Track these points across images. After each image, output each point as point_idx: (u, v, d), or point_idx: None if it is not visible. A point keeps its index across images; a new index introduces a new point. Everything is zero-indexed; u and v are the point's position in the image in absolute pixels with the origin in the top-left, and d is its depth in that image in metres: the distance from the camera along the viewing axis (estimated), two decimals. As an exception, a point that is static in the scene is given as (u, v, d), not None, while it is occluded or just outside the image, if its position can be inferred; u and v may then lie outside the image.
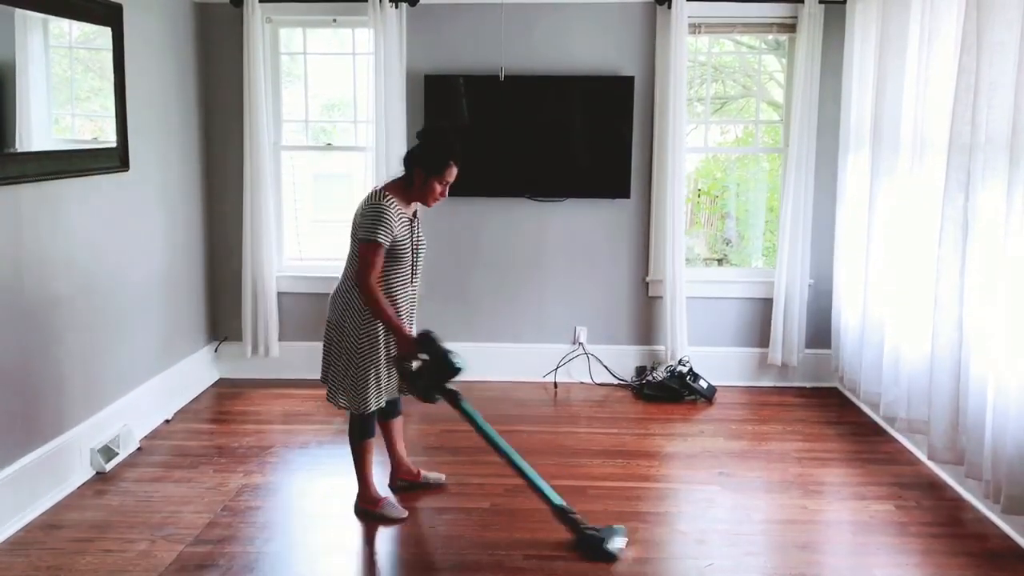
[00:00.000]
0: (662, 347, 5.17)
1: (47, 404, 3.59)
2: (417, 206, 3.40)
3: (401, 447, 3.75)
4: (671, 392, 4.94)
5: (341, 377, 3.36)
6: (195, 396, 4.96)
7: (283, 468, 3.99)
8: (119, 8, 4.04)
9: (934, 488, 3.76)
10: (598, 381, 5.22)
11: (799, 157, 4.92)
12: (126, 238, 4.22)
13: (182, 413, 4.70)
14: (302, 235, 5.59)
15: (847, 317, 4.72)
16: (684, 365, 4.99)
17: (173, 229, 4.74)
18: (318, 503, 3.69)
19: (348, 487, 3.82)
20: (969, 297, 3.38)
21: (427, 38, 5.03)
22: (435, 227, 5.19)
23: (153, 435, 4.35)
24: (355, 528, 3.44)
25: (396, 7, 4.90)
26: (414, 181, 3.27)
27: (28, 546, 3.21)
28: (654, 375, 5.03)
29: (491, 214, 5.21)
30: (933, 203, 3.68)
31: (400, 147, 4.96)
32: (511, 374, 5.26)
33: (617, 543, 3.16)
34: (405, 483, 3.74)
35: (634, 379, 5.19)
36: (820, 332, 5.11)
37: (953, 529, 3.40)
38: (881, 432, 4.46)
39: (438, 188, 3.28)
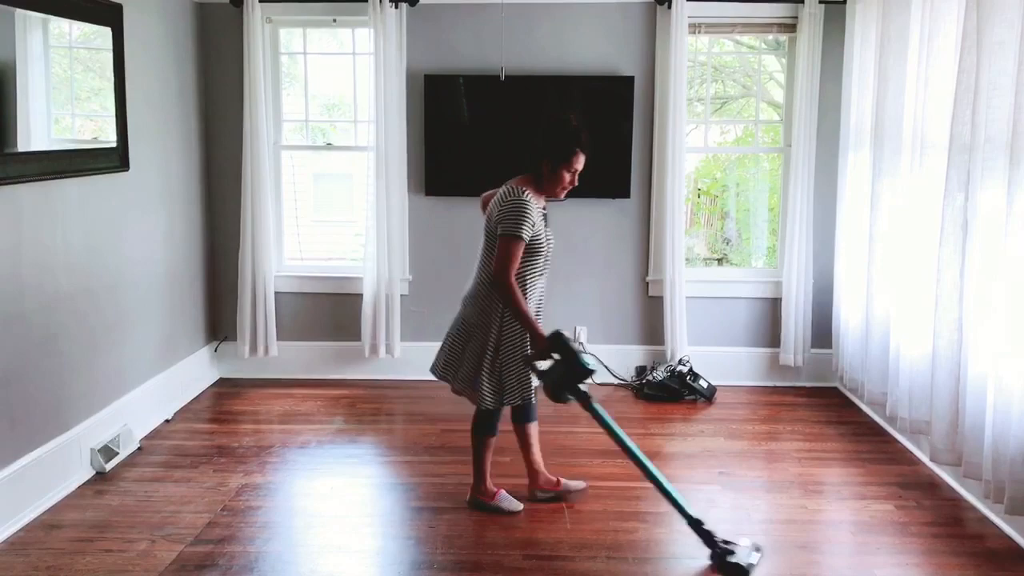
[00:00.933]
0: (662, 347, 5.17)
1: (47, 404, 3.59)
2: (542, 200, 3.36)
3: (537, 454, 3.60)
4: (671, 392, 4.94)
5: (475, 374, 3.32)
6: (195, 396, 4.96)
7: (283, 468, 3.99)
8: (119, 8, 4.04)
9: (934, 488, 3.76)
10: (598, 381, 5.22)
11: (799, 157, 4.92)
12: (126, 238, 4.22)
13: (182, 413, 4.70)
14: (302, 235, 5.60)
15: (848, 317, 4.72)
16: (684, 365, 4.99)
17: (173, 229, 4.74)
18: (318, 503, 3.69)
19: (348, 486, 3.83)
20: (969, 297, 3.38)
21: (427, 38, 5.03)
22: (436, 227, 5.20)
23: (153, 435, 4.35)
24: (355, 528, 3.44)
25: (396, 7, 4.90)
26: (542, 173, 3.28)
27: (28, 546, 3.21)
28: (654, 375, 5.03)
29: (491, 214, 5.20)
30: (933, 203, 3.68)
31: (400, 147, 4.97)
32: (511, 374, 5.25)
33: (749, 557, 3.04)
34: (548, 494, 3.59)
35: (634, 379, 5.19)
36: (821, 332, 5.10)
37: (953, 529, 3.40)
38: (881, 432, 4.46)
39: (567, 177, 3.28)
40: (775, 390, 5.16)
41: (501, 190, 3.33)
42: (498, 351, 3.30)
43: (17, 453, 3.40)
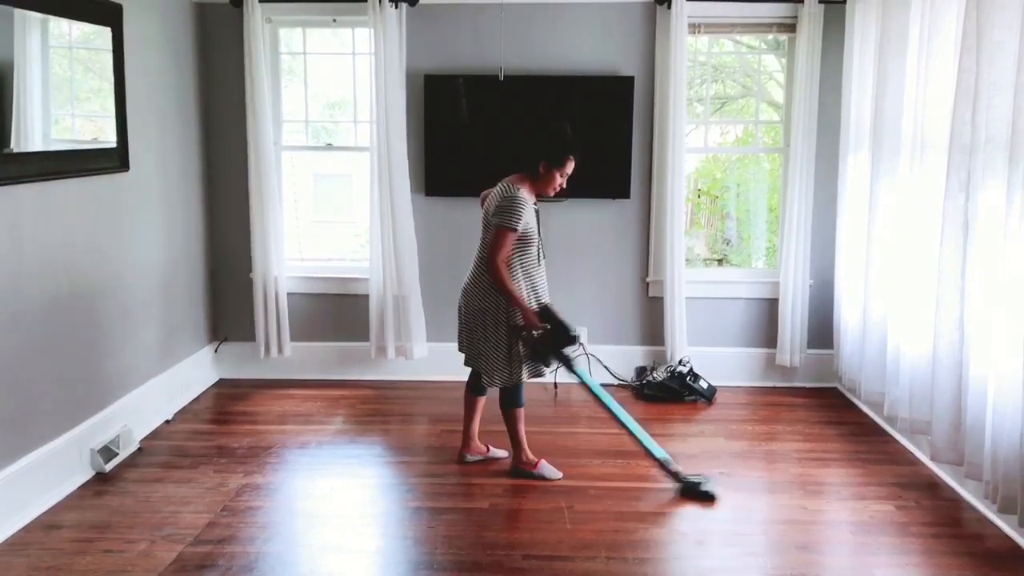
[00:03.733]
0: (662, 348, 5.17)
1: (47, 404, 3.59)
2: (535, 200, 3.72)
3: (476, 424, 4.01)
4: (671, 392, 4.94)
5: (492, 357, 3.68)
6: (195, 396, 4.96)
7: (283, 468, 3.99)
8: (119, 8, 4.04)
9: (934, 488, 3.76)
10: (598, 382, 5.21)
11: (799, 157, 4.91)
12: (126, 238, 4.22)
13: (182, 413, 4.70)
14: (302, 235, 5.60)
15: (848, 317, 4.72)
16: (684, 365, 4.99)
17: (173, 229, 4.74)
18: (318, 503, 3.69)
19: (348, 487, 3.83)
20: (970, 297, 3.38)
21: (427, 38, 5.03)
22: (436, 227, 5.20)
23: (153, 435, 4.35)
24: (355, 528, 3.44)
25: (396, 7, 4.90)
26: (539, 172, 3.63)
27: (28, 546, 3.21)
28: (654, 375, 5.03)
29: (491, 214, 5.20)
30: (933, 203, 3.69)
31: (400, 147, 4.97)
32: (511, 374, 5.26)
33: (712, 485, 3.63)
34: (476, 458, 4.01)
35: (634, 379, 5.18)
36: (821, 332, 5.11)
37: (953, 529, 3.40)
38: (881, 432, 4.46)
39: (558, 179, 3.65)
40: (775, 390, 5.15)
41: (498, 187, 3.70)
42: (503, 334, 3.64)
43: (17, 453, 3.40)
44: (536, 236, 3.66)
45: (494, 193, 3.69)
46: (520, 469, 3.85)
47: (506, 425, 3.86)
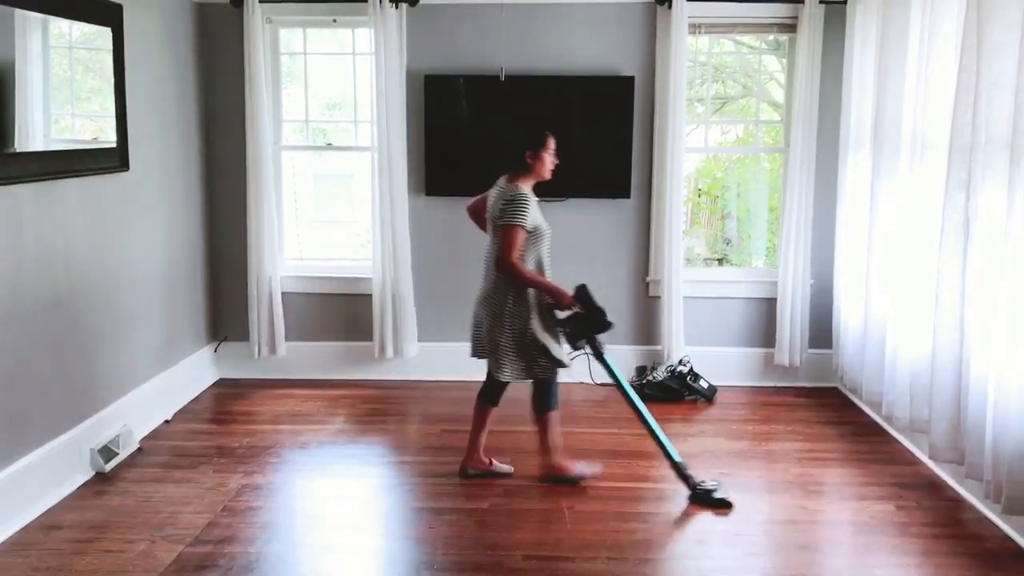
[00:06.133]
0: (661, 347, 5.17)
1: (47, 404, 3.59)
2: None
3: (484, 436, 3.88)
4: (671, 392, 4.94)
5: (520, 357, 3.60)
6: (195, 396, 4.96)
7: (283, 468, 3.99)
8: (119, 8, 4.04)
9: (934, 488, 3.76)
10: (598, 381, 5.22)
11: (799, 157, 4.91)
12: (126, 238, 4.22)
13: (182, 413, 4.70)
14: (302, 235, 5.60)
15: (848, 317, 4.72)
16: (684, 365, 4.99)
17: (173, 229, 4.74)
18: (318, 503, 3.69)
19: (348, 487, 3.83)
20: (970, 297, 3.38)
21: (427, 38, 5.03)
22: (436, 227, 5.19)
23: (153, 435, 4.35)
24: (355, 528, 3.44)
25: (396, 7, 4.90)
26: (529, 164, 3.62)
27: (28, 546, 3.21)
28: (654, 375, 5.02)
29: (491, 214, 5.19)
30: (934, 203, 3.68)
31: (400, 147, 4.97)
32: (511, 374, 5.25)
33: (725, 491, 3.59)
34: (477, 472, 3.86)
35: (635, 379, 5.18)
36: (821, 332, 5.10)
37: (953, 529, 3.40)
38: (882, 432, 4.46)
39: (548, 158, 3.65)
40: (775, 390, 5.15)
41: (495, 191, 3.69)
42: (525, 331, 3.57)
43: (17, 453, 3.40)
44: (546, 229, 3.64)
45: (493, 198, 3.67)
46: (554, 476, 3.75)
47: (538, 428, 3.77)
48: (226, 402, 4.91)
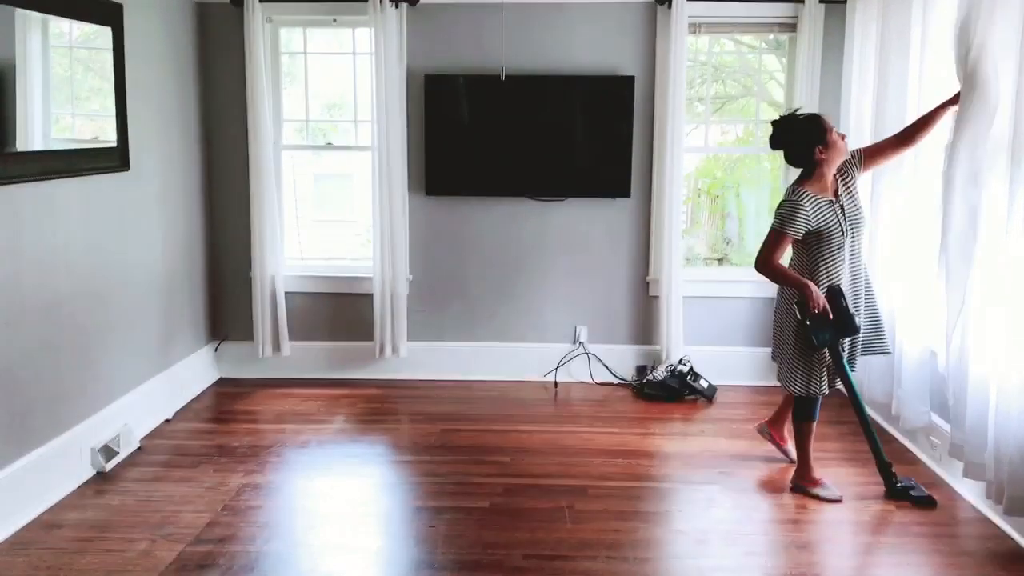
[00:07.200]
0: (660, 346, 5.17)
1: (47, 403, 3.59)
2: (834, 185, 3.59)
3: (785, 427, 4.00)
4: (671, 391, 4.94)
5: (792, 360, 3.64)
6: (195, 396, 4.96)
7: (283, 467, 3.99)
8: (119, 8, 4.04)
9: (934, 488, 3.76)
10: (598, 380, 5.23)
11: (799, 157, 4.90)
12: (126, 238, 4.22)
13: (182, 413, 4.70)
14: (302, 235, 5.59)
15: (847, 317, 4.71)
16: (685, 364, 4.99)
17: (173, 229, 4.74)
18: (318, 502, 3.69)
19: (348, 486, 3.83)
20: (971, 297, 3.37)
21: (427, 38, 5.03)
22: (437, 227, 5.20)
23: (153, 435, 4.35)
24: (355, 528, 3.45)
25: (396, 7, 4.90)
26: (817, 160, 3.52)
27: (28, 546, 3.22)
28: (654, 374, 5.03)
29: (492, 214, 5.20)
30: (934, 203, 3.68)
31: (400, 147, 4.97)
32: (512, 374, 5.26)
33: (921, 490, 3.62)
34: (768, 434, 4.06)
35: (634, 378, 5.19)
36: (820, 332, 5.10)
37: (953, 529, 3.40)
38: (882, 432, 4.45)
39: (838, 140, 3.54)
40: (776, 390, 5.13)
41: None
42: (800, 337, 3.57)
43: (17, 453, 3.40)
44: (839, 230, 3.51)
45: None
46: (801, 485, 3.71)
47: (795, 438, 3.79)
48: (226, 401, 4.91)
